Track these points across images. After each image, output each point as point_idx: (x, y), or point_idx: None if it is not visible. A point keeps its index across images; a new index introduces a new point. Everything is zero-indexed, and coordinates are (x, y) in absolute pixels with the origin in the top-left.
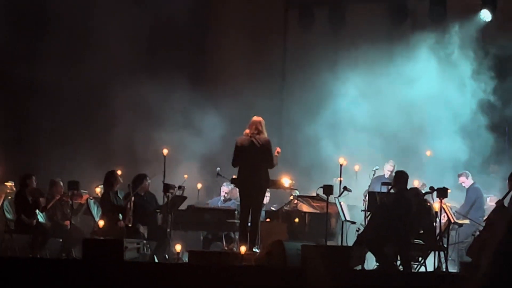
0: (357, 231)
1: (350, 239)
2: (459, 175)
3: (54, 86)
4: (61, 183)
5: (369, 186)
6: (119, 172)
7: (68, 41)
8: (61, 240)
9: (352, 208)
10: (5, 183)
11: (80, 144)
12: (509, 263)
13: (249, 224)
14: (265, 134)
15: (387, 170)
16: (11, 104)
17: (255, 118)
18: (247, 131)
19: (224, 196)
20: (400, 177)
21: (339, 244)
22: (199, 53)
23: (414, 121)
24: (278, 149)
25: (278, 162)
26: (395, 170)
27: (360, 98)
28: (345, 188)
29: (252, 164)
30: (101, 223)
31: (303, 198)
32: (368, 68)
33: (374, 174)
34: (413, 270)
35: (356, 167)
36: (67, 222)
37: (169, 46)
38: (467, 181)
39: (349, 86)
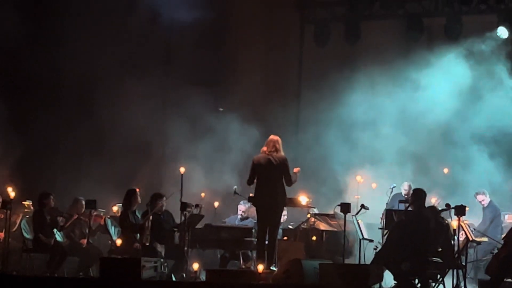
0: (374, 249)
1: (368, 257)
2: (477, 194)
3: (71, 105)
4: (83, 203)
5: (386, 204)
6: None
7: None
8: (78, 259)
9: (370, 226)
10: (23, 202)
11: (96, 163)
12: None
13: (267, 242)
14: (282, 153)
15: (404, 189)
16: (28, 123)
17: (272, 136)
18: (264, 148)
19: (241, 214)
20: (418, 194)
21: (357, 262)
22: (216, 69)
23: (432, 138)
24: (297, 169)
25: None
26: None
27: (377, 115)
28: (362, 206)
29: (270, 182)
30: (119, 241)
31: (320, 216)
32: (384, 85)
33: (391, 192)
34: None
35: (374, 185)
36: (84, 241)
37: (187, 64)
38: (486, 199)
39: (365, 103)
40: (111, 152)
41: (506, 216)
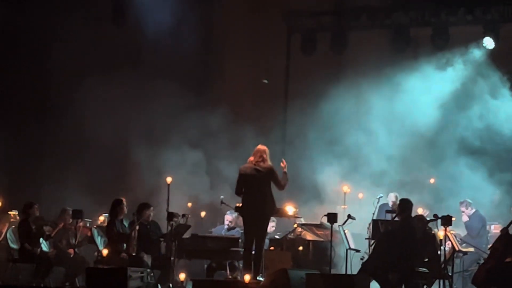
0: (361, 259)
1: (355, 267)
2: (461, 203)
3: (57, 114)
4: (70, 213)
5: (373, 214)
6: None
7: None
8: (64, 269)
9: (356, 236)
10: (9, 212)
11: (82, 173)
12: None
13: (253, 252)
14: (269, 163)
15: (391, 200)
16: (13, 133)
17: (260, 146)
18: (251, 158)
19: (228, 224)
20: (405, 205)
21: (344, 272)
22: (202, 78)
23: (418, 147)
24: (284, 163)
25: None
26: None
27: (363, 123)
28: (349, 216)
29: (256, 192)
30: (105, 251)
31: (307, 226)
32: (371, 94)
33: (378, 202)
34: None
35: (360, 195)
36: (71, 250)
37: (174, 72)
38: (467, 210)
39: (352, 111)
40: (96, 162)
41: (493, 226)
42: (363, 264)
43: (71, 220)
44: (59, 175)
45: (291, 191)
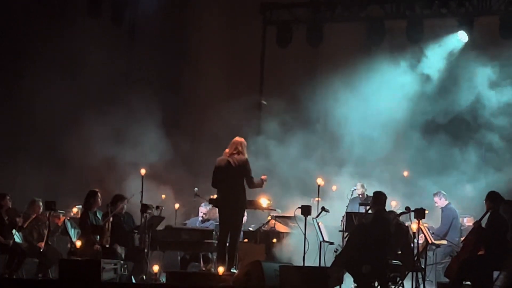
0: (335, 251)
1: (328, 260)
2: (434, 195)
3: (31, 104)
4: (40, 204)
5: (347, 206)
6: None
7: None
8: (37, 260)
9: (330, 229)
10: None
11: (56, 164)
12: None
13: (228, 244)
14: (245, 155)
15: (357, 190)
16: None
17: (237, 138)
18: (227, 150)
19: (202, 216)
20: (378, 197)
21: (317, 264)
22: (176, 69)
23: (392, 140)
24: (265, 176)
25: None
26: (367, 191)
27: (338, 116)
28: (323, 209)
29: (229, 184)
30: (78, 243)
31: (280, 218)
32: (346, 86)
33: (352, 195)
34: None
35: (334, 187)
36: (41, 244)
37: (147, 65)
38: (440, 202)
39: (327, 103)
40: (70, 153)
41: (466, 219)
42: (336, 257)
43: (41, 211)
44: (33, 168)
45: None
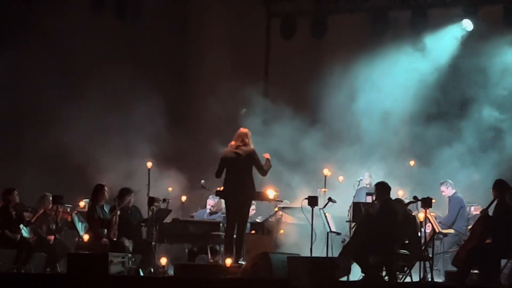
0: (342, 242)
1: (336, 250)
2: (441, 184)
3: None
4: (50, 198)
5: (354, 197)
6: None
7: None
8: (45, 254)
9: (337, 219)
10: None
11: (62, 158)
12: None
13: (235, 236)
14: (251, 146)
15: (365, 179)
16: None
17: (242, 129)
18: (233, 142)
19: (210, 209)
20: (382, 188)
21: (325, 255)
22: (181, 63)
23: (397, 131)
24: (267, 154)
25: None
26: (373, 180)
27: (343, 107)
28: (329, 199)
29: (237, 176)
30: (86, 237)
31: (287, 209)
32: (350, 77)
33: (358, 185)
34: (398, 281)
35: (340, 178)
36: (51, 237)
37: (151, 55)
38: (447, 191)
39: (331, 95)
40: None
41: (473, 208)
42: (344, 247)
43: (51, 206)
44: (38, 163)
45: (272, 174)
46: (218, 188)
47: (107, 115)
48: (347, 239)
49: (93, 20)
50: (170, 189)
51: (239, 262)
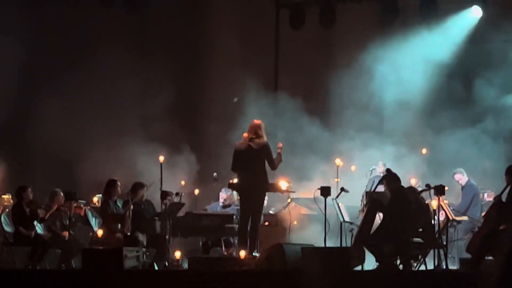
0: (350, 231)
1: (349, 240)
2: (455, 173)
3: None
4: (62, 194)
5: (366, 186)
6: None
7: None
8: (60, 251)
9: (350, 209)
10: (2, 196)
11: (75, 155)
12: None
13: (249, 228)
14: (264, 138)
15: (379, 168)
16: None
17: (255, 121)
18: (245, 135)
19: (222, 202)
20: (393, 176)
21: (338, 245)
22: (189, 53)
23: (410, 118)
24: (280, 144)
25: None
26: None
27: (354, 97)
28: (342, 189)
29: (250, 168)
30: (100, 232)
31: (300, 200)
32: (360, 67)
33: (371, 174)
34: (413, 269)
35: (353, 168)
36: (66, 233)
37: (161, 46)
38: (463, 178)
39: (342, 85)
40: (88, 142)
41: (486, 194)
42: (356, 236)
43: (63, 202)
44: (51, 158)
45: (284, 165)
46: (231, 181)
47: (117, 108)
48: (355, 228)
49: (103, 12)
50: (182, 182)
51: (253, 254)
